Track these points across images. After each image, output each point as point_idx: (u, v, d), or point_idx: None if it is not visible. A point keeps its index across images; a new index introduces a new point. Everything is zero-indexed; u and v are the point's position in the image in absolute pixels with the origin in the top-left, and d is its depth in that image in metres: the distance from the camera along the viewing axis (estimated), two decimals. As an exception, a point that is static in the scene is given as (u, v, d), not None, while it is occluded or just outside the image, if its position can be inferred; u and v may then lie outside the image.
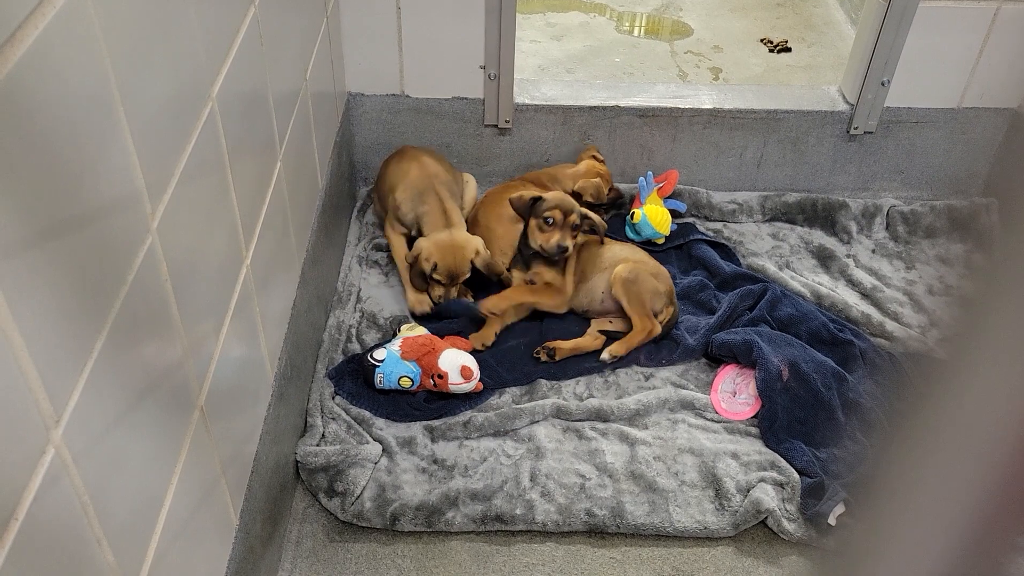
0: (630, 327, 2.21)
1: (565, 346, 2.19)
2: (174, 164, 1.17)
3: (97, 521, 0.93)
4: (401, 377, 2.03)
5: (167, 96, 1.15)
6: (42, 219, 0.84)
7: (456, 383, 2.03)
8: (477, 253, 2.27)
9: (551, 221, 2.20)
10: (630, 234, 2.57)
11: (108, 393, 0.97)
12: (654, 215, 2.52)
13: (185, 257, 1.21)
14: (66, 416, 0.87)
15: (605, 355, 2.16)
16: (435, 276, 2.25)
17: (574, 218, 2.22)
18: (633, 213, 2.54)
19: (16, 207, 0.79)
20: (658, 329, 2.19)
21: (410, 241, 2.38)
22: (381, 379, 2.04)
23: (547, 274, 2.27)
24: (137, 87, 1.04)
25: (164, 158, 1.14)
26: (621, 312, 2.24)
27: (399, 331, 2.17)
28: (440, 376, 2.03)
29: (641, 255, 2.35)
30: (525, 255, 2.29)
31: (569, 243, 2.21)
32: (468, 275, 2.27)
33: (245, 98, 1.50)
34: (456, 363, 2.04)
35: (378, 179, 2.55)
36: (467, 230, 2.38)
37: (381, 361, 2.04)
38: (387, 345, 2.09)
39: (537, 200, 2.23)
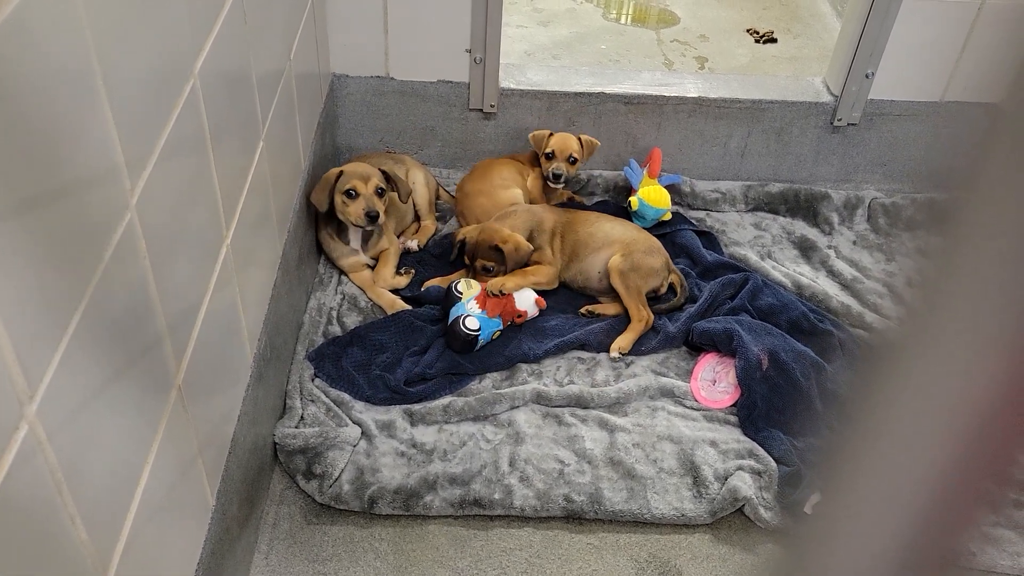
0: (618, 308, 2.28)
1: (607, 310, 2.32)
2: (154, 140, 1.16)
3: (71, 498, 0.93)
4: (493, 332, 2.17)
5: (148, 71, 1.14)
6: (18, 192, 0.82)
7: (534, 315, 2.24)
8: (375, 168, 2.26)
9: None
10: (638, 223, 2.55)
11: (84, 370, 0.96)
12: (649, 195, 2.53)
13: (164, 234, 1.19)
14: (40, 392, 0.86)
15: (614, 352, 2.19)
16: (348, 187, 2.19)
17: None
18: (630, 202, 2.54)
19: (-9, 179, 0.78)
20: (652, 318, 2.24)
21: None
22: (480, 343, 2.14)
23: (534, 254, 2.33)
24: (118, 61, 1.02)
25: (144, 133, 1.13)
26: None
27: (458, 290, 2.20)
28: (519, 315, 2.20)
29: (632, 232, 2.37)
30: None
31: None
32: (380, 184, 2.22)
33: (228, 76, 1.49)
34: (530, 300, 2.23)
35: None
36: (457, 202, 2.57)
37: (478, 330, 2.12)
38: (471, 312, 2.14)
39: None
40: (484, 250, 2.28)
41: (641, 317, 2.22)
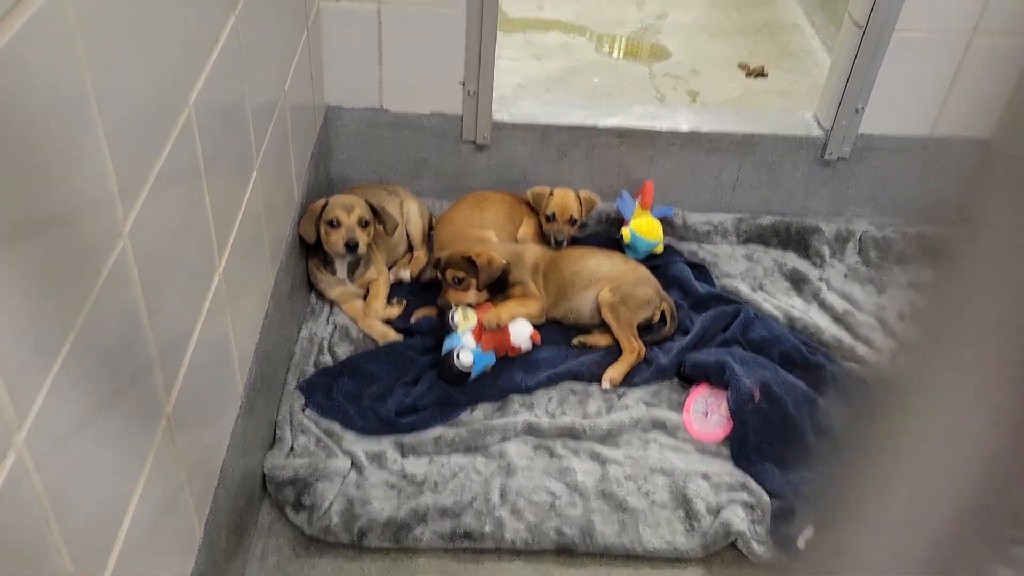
0: (610, 340, 2.27)
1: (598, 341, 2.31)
2: (148, 169, 1.16)
3: (57, 528, 0.91)
4: (486, 366, 2.16)
5: (144, 100, 1.14)
6: (10, 219, 0.82)
7: (528, 348, 2.23)
8: (362, 199, 2.27)
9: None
10: (630, 255, 2.56)
11: (73, 398, 0.95)
12: (641, 227, 2.53)
13: (157, 263, 1.19)
14: (29, 420, 0.86)
15: (605, 383, 2.18)
16: (331, 217, 2.20)
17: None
18: (622, 234, 2.55)
19: (-16, 206, 0.78)
20: (643, 349, 2.24)
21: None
22: (472, 377, 2.13)
23: (517, 288, 2.33)
24: (113, 90, 1.03)
25: (138, 162, 1.13)
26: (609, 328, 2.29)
27: (454, 321, 2.20)
28: (513, 348, 2.20)
29: (620, 266, 2.38)
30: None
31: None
32: (365, 216, 2.23)
33: (223, 106, 1.50)
34: (524, 334, 2.22)
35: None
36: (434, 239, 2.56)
37: (472, 365, 2.11)
38: (466, 345, 2.13)
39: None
40: (455, 259, 2.29)
41: (633, 348, 2.22)
